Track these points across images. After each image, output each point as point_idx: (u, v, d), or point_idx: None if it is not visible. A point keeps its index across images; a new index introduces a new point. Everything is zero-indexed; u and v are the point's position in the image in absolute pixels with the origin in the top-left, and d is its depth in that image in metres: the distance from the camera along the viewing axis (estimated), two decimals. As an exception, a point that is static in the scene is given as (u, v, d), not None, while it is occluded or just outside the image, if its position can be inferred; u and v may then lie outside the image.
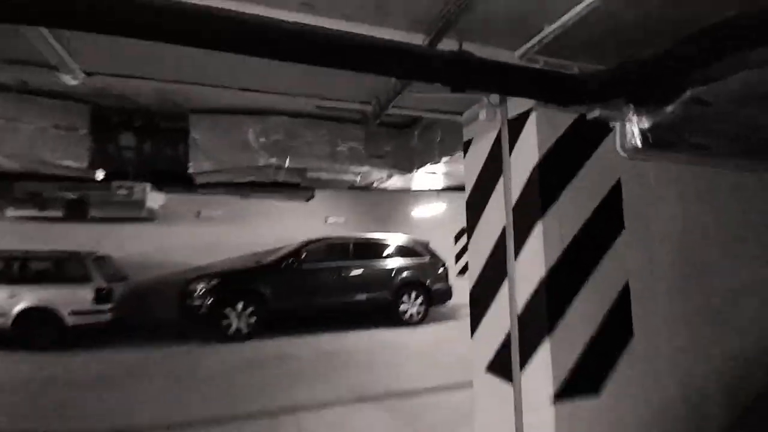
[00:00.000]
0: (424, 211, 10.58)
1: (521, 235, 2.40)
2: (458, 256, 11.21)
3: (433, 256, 8.60)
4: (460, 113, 3.13)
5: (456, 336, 6.92)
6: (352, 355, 5.82)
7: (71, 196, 7.97)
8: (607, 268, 2.38)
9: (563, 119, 2.41)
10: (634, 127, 2.45)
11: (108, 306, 6.54)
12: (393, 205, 10.80)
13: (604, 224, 2.42)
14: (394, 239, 8.43)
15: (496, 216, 2.63)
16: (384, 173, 5.34)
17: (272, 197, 7.60)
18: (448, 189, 8.11)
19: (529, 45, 2.31)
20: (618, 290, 2.40)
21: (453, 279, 9.09)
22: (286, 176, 5.50)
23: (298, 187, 6.38)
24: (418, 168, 4.96)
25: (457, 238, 11.34)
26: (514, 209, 2.49)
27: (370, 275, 7.82)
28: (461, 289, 10.78)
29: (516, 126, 2.49)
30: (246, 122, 4.61)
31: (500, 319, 2.60)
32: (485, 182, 2.76)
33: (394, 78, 2.56)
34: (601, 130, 2.50)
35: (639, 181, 2.58)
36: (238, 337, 6.74)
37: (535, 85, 2.21)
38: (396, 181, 6.24)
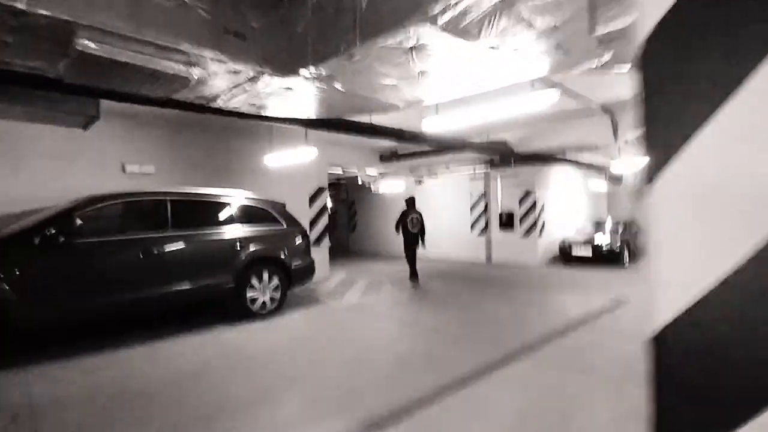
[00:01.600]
0: (281, 160, 8.07)
1: None
2: (312, 223, 9.30)
3: (292, 222, 6.50)
4: None
5: (331, 329, 5.09)
6: (169, 391, 3.40)
7: None
8: None
9: None
10: None
11: None
12: (235, 149, 8.03)
13: None
14: (236, 197, 5.97)
15: None
16: (244, 71, 2.97)
17: (9, 112, 4.15)
18: (318, 124, 5.81)
19: None
20: None
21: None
22: (30, 56, 2.59)
23: (61, 92, 3.34)
24: (312, 64, 2.81)
25: (312, 200, 9.38)
26: None
27: (200, 251, 5.26)
28: (320, 264, 9.04)
29: None
30: None
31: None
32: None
33: None
34: None
35: None
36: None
37: None
38: (247, 98, 3.85)
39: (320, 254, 9.12)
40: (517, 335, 4.77)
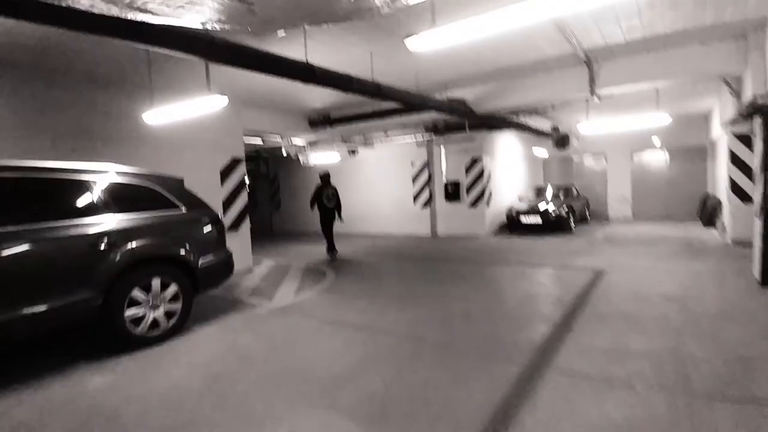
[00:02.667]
0: (171, 117, 6.02)
1: None
2: (227, 204, 7.41)
3: (195, 204, 4.69)
4: None
5: (262, 354, 3.44)
6: None
7: None
8: None
9: None
10: None
11: None
12: (100, 105, 5.78)
13: None
14: (103, 172, 4.00)
15: None
16: None
17: None
18: (228, 54, 3.80)
19: None
20: None
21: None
22: None
23: None
24: None
25: (225, 175, 7.45)
26: None
27: (37, 257, 3.29)
28: (240, 253, 7.22)
29: None
30: None
31: None
32: None
33: None
34: None
35: None
36: None
37: None
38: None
39: (240, 241, 7.35)
40: (515, 334, 3.63)
